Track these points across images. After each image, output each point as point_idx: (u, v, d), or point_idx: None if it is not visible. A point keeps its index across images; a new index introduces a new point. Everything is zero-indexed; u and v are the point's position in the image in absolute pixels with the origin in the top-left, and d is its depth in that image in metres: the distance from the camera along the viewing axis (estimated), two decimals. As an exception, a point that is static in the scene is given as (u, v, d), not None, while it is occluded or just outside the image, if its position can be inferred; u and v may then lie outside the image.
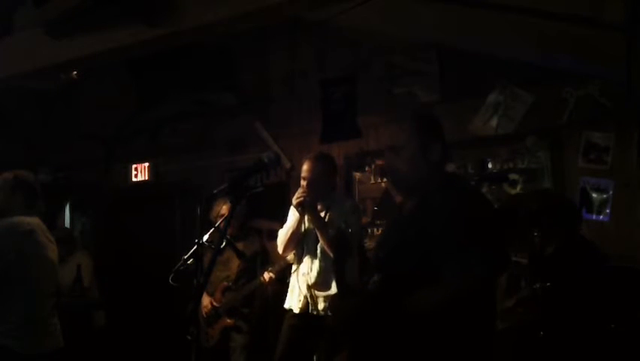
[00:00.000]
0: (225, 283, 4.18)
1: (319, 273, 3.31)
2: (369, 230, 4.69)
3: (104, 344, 4.86)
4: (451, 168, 4.57)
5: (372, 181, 4.76)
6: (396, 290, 1.94)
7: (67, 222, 6.42)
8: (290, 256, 3.60)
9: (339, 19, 4.30)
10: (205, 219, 4.19)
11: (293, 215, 3.36)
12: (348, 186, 4.91)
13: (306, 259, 3.36)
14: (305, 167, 3.32)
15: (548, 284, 3.12)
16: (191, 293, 2.20)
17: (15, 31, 3.84)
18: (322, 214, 3.31)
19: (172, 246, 5.30)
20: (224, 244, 2.43)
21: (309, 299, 3.34)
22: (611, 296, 3.11)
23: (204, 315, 4.17)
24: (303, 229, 3.36)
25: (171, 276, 2.54)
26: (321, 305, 3.30)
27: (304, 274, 3.36)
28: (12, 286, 2.90)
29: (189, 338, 2.18)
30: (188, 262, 2.49)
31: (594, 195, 3.94)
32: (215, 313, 4.15)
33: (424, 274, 1.91)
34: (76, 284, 4.55)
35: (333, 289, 3.24)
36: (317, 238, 3.27)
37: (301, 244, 3.41)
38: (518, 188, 4.21)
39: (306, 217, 3.31)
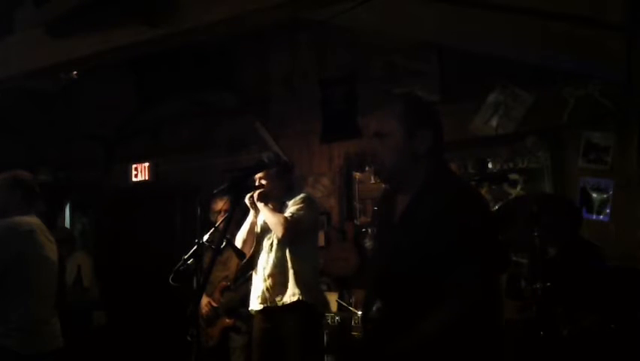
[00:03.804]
0: (224, 283, 4.18)
1: (275, 264, 3.36)
2: (370, 230, 4.70)
3: (104, 344, 4.86)
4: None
5: (373, 181, 4.77)
6: (400, 314, 1.83)
7: (67, 222, 6.42)
8: None
9: (339, 19, 4.31)
10: (205, 219, 4.19)
11: (250, 216, 3.47)
12: (348, 186, 4.92)
13: (263, 254, 3.45)
14: None
15: (548, 284, 3.12)
16: (192, 293, 2.20)
17: (15, 31, 3.84)
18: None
19: (172, 246, 5.30)
20: (224, 244, 2.42)
21: (265, 292, 3.36)
22: (611, 296, 3.11)
23: (203, 315, 4.16)
24: (258, 229, 3.45)
25: (171, 276, 2.54)
26: (278, 297, 3.32)
27: (264, 268, 3.42)
28: (12, 286, 2.90)
29: (189, 339, 2.18)
30: (188, 262, 2.49)
31: (594, 195, 3.94)
32: (215, 314, 4.15)
33: (424, 294, 1.79)
34: (77, 284, 4.55)
35: (290, 279, 3.28)
36: (272, 233, 3.37)
37: (258, 242, 3.49)
38: (518, 188, 4.22)
39: (259, 216, 3.39)
